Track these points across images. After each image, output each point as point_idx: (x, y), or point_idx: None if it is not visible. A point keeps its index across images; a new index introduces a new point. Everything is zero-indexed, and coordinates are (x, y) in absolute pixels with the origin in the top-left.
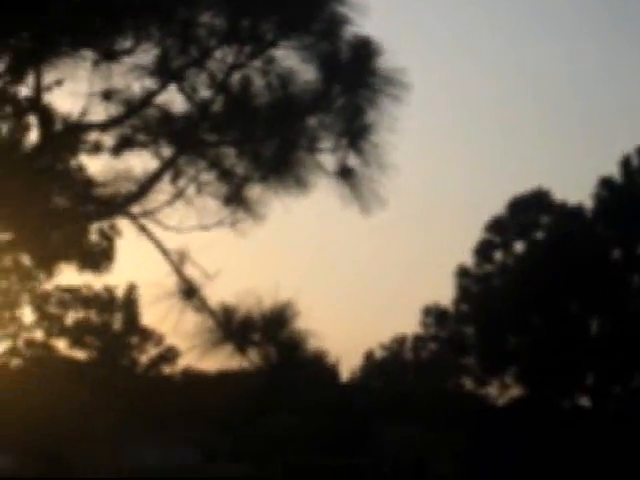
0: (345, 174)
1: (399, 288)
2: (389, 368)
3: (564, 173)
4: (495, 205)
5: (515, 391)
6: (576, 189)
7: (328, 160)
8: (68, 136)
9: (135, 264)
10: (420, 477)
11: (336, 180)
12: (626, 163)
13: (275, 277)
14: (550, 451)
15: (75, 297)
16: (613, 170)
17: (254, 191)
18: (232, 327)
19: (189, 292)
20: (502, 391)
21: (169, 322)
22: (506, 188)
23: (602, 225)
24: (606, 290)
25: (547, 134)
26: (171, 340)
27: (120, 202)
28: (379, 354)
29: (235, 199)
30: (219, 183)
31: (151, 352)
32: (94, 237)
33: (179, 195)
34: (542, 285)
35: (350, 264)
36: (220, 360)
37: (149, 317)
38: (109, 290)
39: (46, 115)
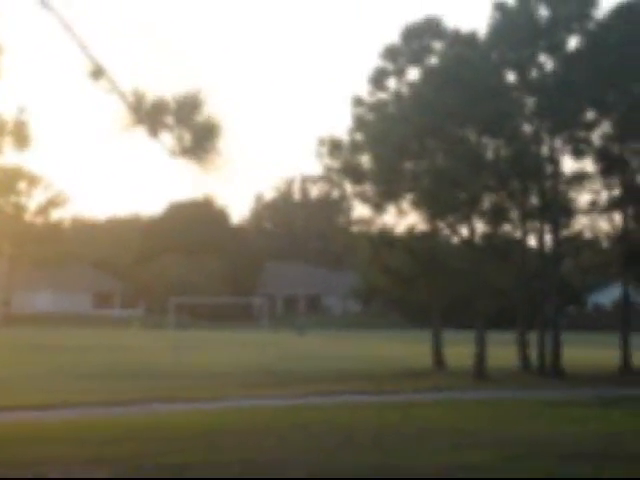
0: None
1: (293, 123)
2: (279, 209)
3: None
4: (390, 34)
5: (412, 217)
6: (470, 16)
7: None
8: None
9: (25, 85)
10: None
11: None
12: None
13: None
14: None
15: None
16: None
17: None
18: (144, 110)
19: (97, 72)
20: (399, 217)
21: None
22: (400, 16)
23: (496, 50)
24: (501, 114)
25: None
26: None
27: None
28: (269, 196)
29: None
30: None
31: (39, 197)
32: None
33: None
34: (437, 110)
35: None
36: (132, 144)
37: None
38: None
39: None
